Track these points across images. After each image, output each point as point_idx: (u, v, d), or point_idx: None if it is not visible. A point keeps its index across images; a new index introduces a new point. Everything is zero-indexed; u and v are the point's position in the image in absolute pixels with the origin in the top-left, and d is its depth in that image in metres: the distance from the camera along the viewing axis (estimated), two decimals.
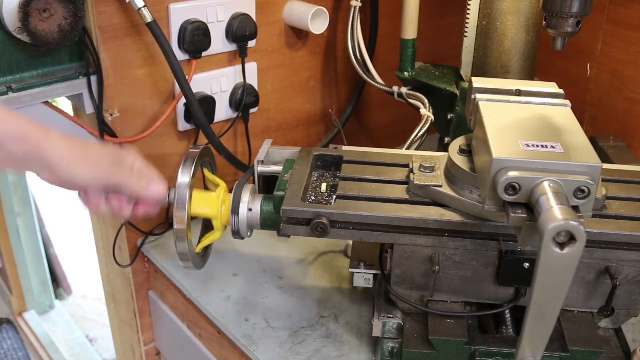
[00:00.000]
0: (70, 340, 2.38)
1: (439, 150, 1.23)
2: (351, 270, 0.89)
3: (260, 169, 0.95)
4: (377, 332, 0.87)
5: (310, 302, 1.00)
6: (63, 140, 0.74)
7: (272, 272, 1.07)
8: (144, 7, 0.95)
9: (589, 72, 1.30)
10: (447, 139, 1.20)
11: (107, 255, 1.24)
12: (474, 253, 0.79)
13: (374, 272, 0.89)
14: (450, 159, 0.80)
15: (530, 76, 1.09)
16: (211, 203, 0.88)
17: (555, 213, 0.58)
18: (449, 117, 1.19)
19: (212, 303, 1.00)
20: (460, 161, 0.79)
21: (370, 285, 0.90)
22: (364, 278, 0.89)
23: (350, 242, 1.05)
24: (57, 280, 2.61)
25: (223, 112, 1.16)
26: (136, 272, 1.19)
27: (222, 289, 1.03)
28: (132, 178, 0.78)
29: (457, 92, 1.15)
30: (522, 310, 0.86)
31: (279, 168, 0.93)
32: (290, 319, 0.96)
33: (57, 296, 2.59)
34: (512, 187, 0.64)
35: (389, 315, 0.86)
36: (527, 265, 0.78)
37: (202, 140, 1.16)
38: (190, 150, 0.87)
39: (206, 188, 0.96)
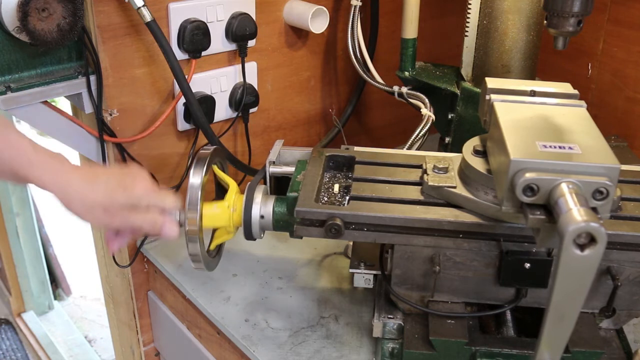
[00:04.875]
0: (69, 340, 2.38)
1: (439, 150, 1.23)
2: (351, 270, 0.89)
3: (272, 169, 0.95)
4: (377, 332, 0.86)
5: (310, 303, 1.00)
6: (75, 181, 0.73)
7: (272, 273, 1.07)
8: (143, 6, 0.95)
9: (590, 71, 1.30)
10: (447, 139, 1.20)
11: (106, 256, 1.24)
12: (475, 253, 0.79)
13: (374, 272, 0.88)
14: (464, 160, 0.80)
15: (531, 76, 1.09)
16: (221, 216, 0.88)
17: (575, 214, 0.58)
18: (450, 116, 1.18)
19: (211, 303, 1.00)
20: (475, 162, 0.78)
21: (371, 286, 0.90)
22: (364, 278, 0.89)
23: (350, 243, 1.04)
24: (56, 281, 2.61)
25: (223, 111, 1.16)
26: (135, 273, 1.19)
27: (222, 290, 1.03)
28: (145, 223, 0.77)
29: (458, 92, 1.14)
30: (523, 310, 0.86)
31: (290, 169, 0.93)
32: (290, 319, 0.96)
33: (56, 297, 2.59)
34: (530, 189, 0.64)
35: (389, 316, 0.86)
36: (527, 265, 0.77)
37: (202, 140, 1.15)
38: (202, 151, 0.87)
39: (218, 187, 0.95)
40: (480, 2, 1.07)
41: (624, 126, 1.25)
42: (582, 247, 0.57)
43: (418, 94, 1.18)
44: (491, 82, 0.83)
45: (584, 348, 0.78)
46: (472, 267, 0.80)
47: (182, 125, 1.12)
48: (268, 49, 1.19)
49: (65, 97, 1.01)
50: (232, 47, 1.12)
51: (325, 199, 0.84)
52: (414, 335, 0.82)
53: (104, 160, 1.05)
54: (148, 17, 0.96)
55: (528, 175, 0.64)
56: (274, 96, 1.24)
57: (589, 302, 0.82)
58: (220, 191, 0.94)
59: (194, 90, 1.06)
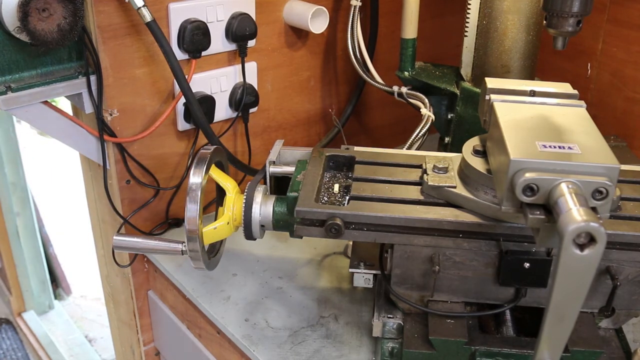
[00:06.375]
0: (70, 340, 2.38)
1: (439, 150, 1.23)
2: (351, 270, 0.89)
3: (272, 169, 0.95)
4: (377, 332, 0.87)
5: (310, 302, 1.00)
6: None
7: (272, 272, 1.07)
8: (143, 6, 0.95)
9: (589, 71, 1.30)
10: (447, 139, 1.20)
11: (107, 255, 1.24)
12: (475, 253, 0.79)
13: (373, 272, 0.89)
14: (464, 160, 0.80)
15: (530, 76, 1.09)
16: (221, 231, 0.89)
17: (574, 214, 0.58)
18: (449, 116, 1.18)
19: (211, 303, 1.00)
20: (475, 162, 0.79)
21: (370, 285, 0.90)
22: (363, 278, 0.89)
23: (350, 242, 1.05)
24: (56, 280, 2.61)
25: (222, 111, 1.16)
26: (135, 272, 1.19)
27: (222, 289, 1.03)
28: None
29: (457, 92, 1.15)
30: (522, 310, 0.86)
31: (290, 169, 0.93)
32: (290, 319, 0.96)
33: (56, 296, 2.59)
34: (529, 189, 0.64)
35: (389, 315, 0.86)
36: (527, 265, 0.77)
37: (202, 139, 1.15)
38: (202, 151, 0.87)
39: (218, 188, 0.95)
40: (480, 2, 1.07)
41: (623, 126, 1.26)
42: (581, 247, 0.57)
43: (418, 94, 1.18)
44: (491, 82, 0.83)
45: (583, 347, 0.78)
46: (472, 267, 0.81)
47: (182, 125, 1.12)
48: (268, 49, 1.19)
49: (65, 97, 1.01)
50: (232, 47, 1.13)
51: (325, 198, 0.84)
52: (414, 334, 0.82)
53: (104, 159, 1.06)
54: (148, 17, 0.96)
55: (528, 175, 0.64)
56: (274, 96, 1.24)
57: (588, 302, 0.82)
58: (220, 191, 0.95)
59: (194, 90, 1.06)
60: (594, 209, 0.63)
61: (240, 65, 1.14)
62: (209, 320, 1.01)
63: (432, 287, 0.83)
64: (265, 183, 0.95)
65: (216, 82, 1.13)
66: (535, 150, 0.67)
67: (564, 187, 0.62)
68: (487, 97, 0.81)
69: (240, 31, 1.10)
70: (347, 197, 0.83)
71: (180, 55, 1.06)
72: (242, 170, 1.18)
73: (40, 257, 2.39)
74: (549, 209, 0.64)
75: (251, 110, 1.20)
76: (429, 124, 1.11)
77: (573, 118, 0.76)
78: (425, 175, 0.82)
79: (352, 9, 1.20)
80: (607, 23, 1.24)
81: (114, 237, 0.93)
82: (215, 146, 0.90)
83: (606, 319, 0.83)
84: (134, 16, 0.99)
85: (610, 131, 1.25)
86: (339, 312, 0.97)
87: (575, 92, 0.82)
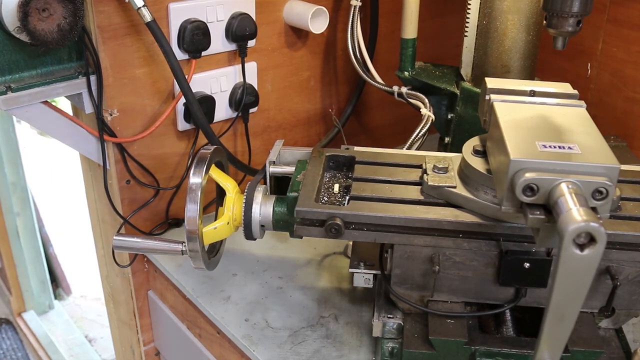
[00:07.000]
0: (70, 340, 2.38)
1: (439, 150, 1.23)
2: (351, 270, 0.89)
3: (272, 169, 0.95)
4: (377, 332, 0.87)
5: (310, 302, 1.00)
6: None
7: (272, 272, 1.07)
8: (143, 6, 0.95)
9: (589, 71, 1.30)
10: (447, 139, 1.20)
11: (107, 255, 1.24)
12: (475, 253, 0.79)
13: (374, 272, 0.89)
14: (464, 160, 0.80)
15: (530, 76, 1.09)
16: (221, 231, 0.89)
17: (574, 214, 0.58)
18: (449, 116, 1.18)
19: (211, 303, 1.00)
20: (475, 162, 0.79)
21: (370, 285, 0.90)
22: (363, 278, 0.89)
23: (350, 242, 1.05)
24: (56, 280, 2.61)
25: (222, 111, 1.16)
26: (135, 272, 1.19)
27: (222, 289, 1.03)
28: None
29: (457, 92, 1.15)
30: (523, 310, 0.86)
31: (290, 169, 0.93)
32: (290, 319, 0.96)
33: (56, 296, 2.59)
34: (529, 189, 0.64)
35: (389, 315, 0.86)
36: (527, 265, 0.77)
37: (202, 139, 1.15)
38: (202, 151, 0.87)
39: (218, 188, 0.95)
40: (480, 2, 1.07)
41: (623, 126, 1.26)
42: (581, 247, 0.57)
43: (418, 94, 1.18)
44: (491, 82, 0.83)
45: (583, 347, 0.78)
46: (472, 267, 0.81)
47: (182, 125, 1.12)
48: (268, 49, 1.19)
49: (65, 97, 1.01)
50: (232, 47, 1.13)
51: (325, 198, 0.84)
52: (414, 334, 0.82)
53: (104, 159, 1.06)
54: (148, 17, 0.96)
55: (528, 175, 0.64)
56: (274, 96, 1.24)
57: (588, 302, 0.82)
58: (220, 191, 0.95)
59: (194, 90, 1.06)
60: (594, 209, 0.63)
61: (240, 65, 1.14)
62: (209, 320, 1.01)
63: (432, 287, 0.83)
64: (265, 183, 0.95)
65: (216, 82, 1.13)
66: (535, 150, 0.67)
67: (564, 187, 0.62)
68: (487, 97, 0.81)
69: (240, 31, 1.10)
70: (347, 197, 0.83)
71: (180, 55, 1.06)
72: (242, 170, 1.18)
73: (40, 257, 2.39)
74: (549, 209, 0.64)
75: (251, 110, 1.20)
76: (429, 124, 1.11)
77: (573, 118, 0.76)
78: (425, 175, 0.82)
79: (352, 9, 1.20)
80: (607, 23, 1.24)
81: (114, 237, 0.93)
82: (215, 146, 0.90)
83: (606, 319, 0.83)
84: (134, 16, 0.99)
85: (610, 131, 1.25)
86: (339, 312, 0.97)
87: (575, 92, 0.82)
